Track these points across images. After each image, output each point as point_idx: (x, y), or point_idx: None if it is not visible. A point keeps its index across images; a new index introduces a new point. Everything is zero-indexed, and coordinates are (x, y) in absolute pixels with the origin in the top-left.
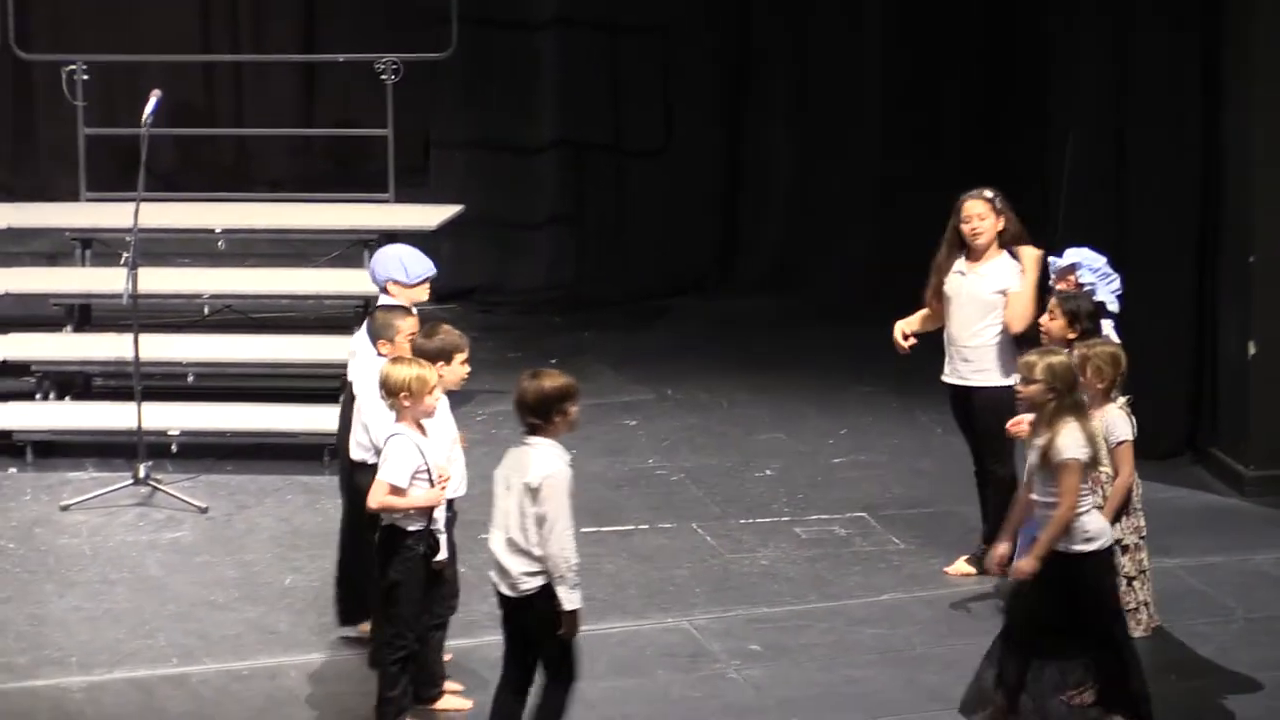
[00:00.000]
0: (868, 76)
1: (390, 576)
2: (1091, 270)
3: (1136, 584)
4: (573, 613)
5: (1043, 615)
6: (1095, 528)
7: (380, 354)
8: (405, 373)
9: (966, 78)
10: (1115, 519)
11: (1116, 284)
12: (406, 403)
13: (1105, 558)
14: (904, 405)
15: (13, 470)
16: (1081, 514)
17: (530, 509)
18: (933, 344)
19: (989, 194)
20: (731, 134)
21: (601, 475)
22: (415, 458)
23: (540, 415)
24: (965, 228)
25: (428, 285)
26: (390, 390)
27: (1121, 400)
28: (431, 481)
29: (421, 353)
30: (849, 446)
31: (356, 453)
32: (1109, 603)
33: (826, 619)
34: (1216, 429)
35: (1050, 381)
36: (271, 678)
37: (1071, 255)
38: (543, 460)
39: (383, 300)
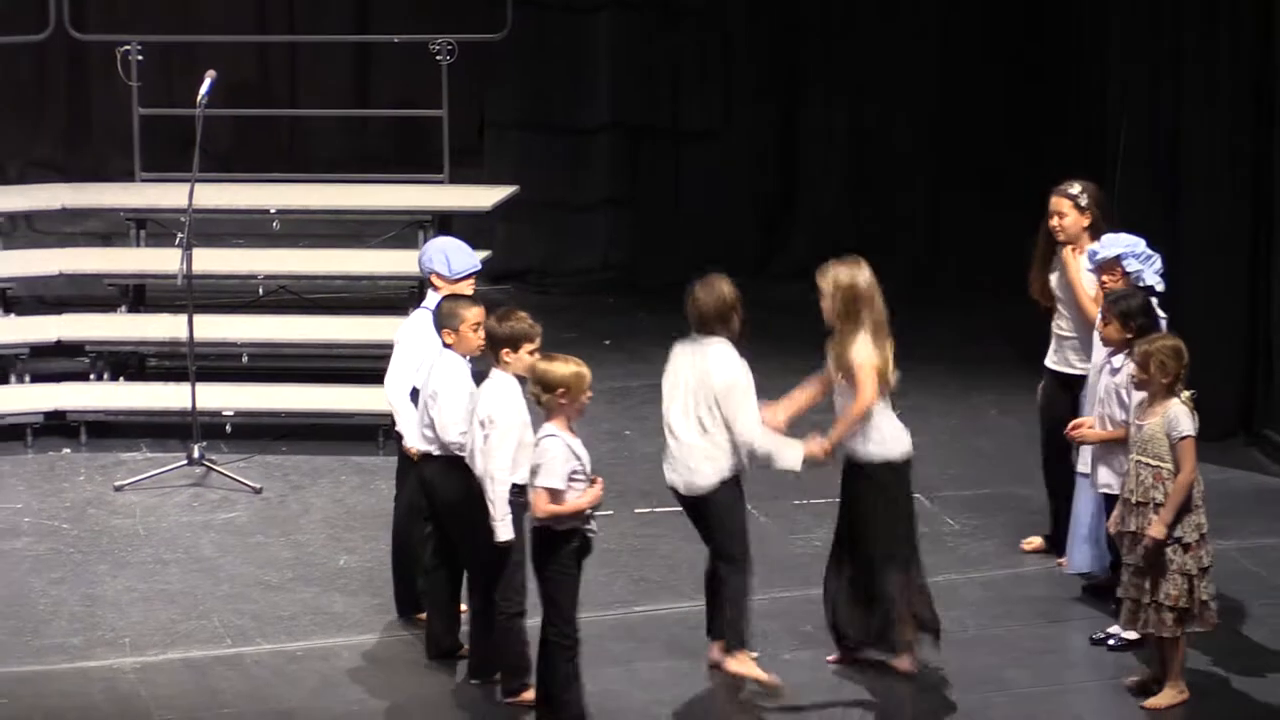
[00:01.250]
0: (922, 60)
1: (547, 577)
2: (1135, 256)
3: (1199, 581)
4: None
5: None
6: (891, 434)
7: (446, 344)
8: (563, 370)
9: (1020, 59)
10: (1178, 518)
11: (1159, 263)
12: (563, 400)
13: (897, 466)
14: (960, 386)
15: (67, 450)
16: (880, 419)
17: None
18: (991, 324)
19: (1074, 190)
20: (785, 115)
21: (656, 456)
22: (570, 459)
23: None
24: (1050, 222)
25: (472, 280)
26: (547, 387)
27: (1185, 395)
28: (589, 481)
29: (491, 337)
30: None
31: (422, 444)
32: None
33: None
34: (1271, 410)
35: (833, 294)
36: (325, 659)
37: (1110, 245)
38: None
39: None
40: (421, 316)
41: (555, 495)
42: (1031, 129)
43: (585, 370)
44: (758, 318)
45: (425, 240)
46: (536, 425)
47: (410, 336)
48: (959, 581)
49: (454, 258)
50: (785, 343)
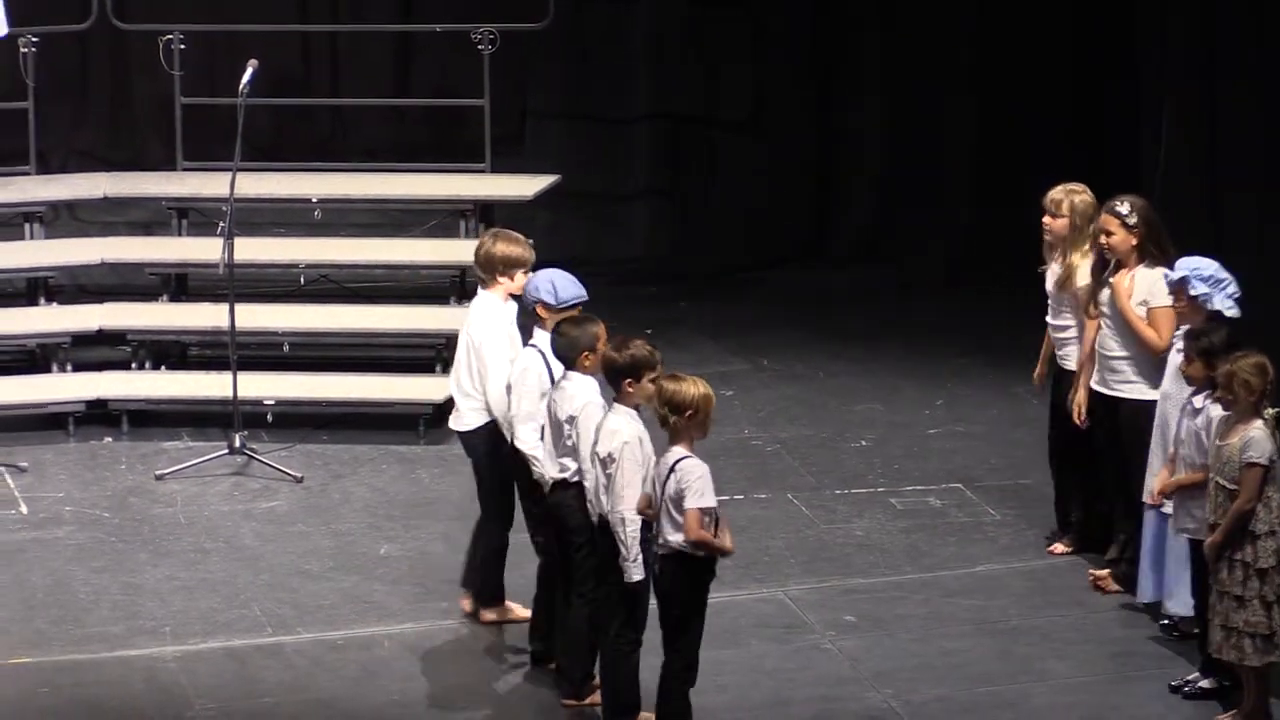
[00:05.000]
0: (960, 46)
1: (684, 604)
2: (1202, 280)
3: (1277, 609)
4: None
5: None
6: None
7: (583, 367)
8: (693, 391)
9: (1061, 46)
10: (1226, 543)
11: (1232, 287)
12: (690, 421)
13: None
14: (999, 377)
15: (108, 439)
16: None
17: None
18: (1031, 317)
19: (1123, 208)
20: (823, 106)
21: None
22: (710, 480)
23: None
24: (1099, 240)
25: (578, 311)
26: (675, 409)
27: (1270, 413)
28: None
29: (610, 368)
30: (944, 418)
31: (555, 471)
32: None
33: (921, 590)
34: None
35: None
36: (366, 648)
37: (1181, 267)
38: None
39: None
40: (531, 355)
41: (706, 517)
42: (1072, 120)
43: (711, 391)
44: (798, 305)
45: (466, 229)
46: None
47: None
48: (1000, 571)
49: (561, 288)
50: (828, 329)
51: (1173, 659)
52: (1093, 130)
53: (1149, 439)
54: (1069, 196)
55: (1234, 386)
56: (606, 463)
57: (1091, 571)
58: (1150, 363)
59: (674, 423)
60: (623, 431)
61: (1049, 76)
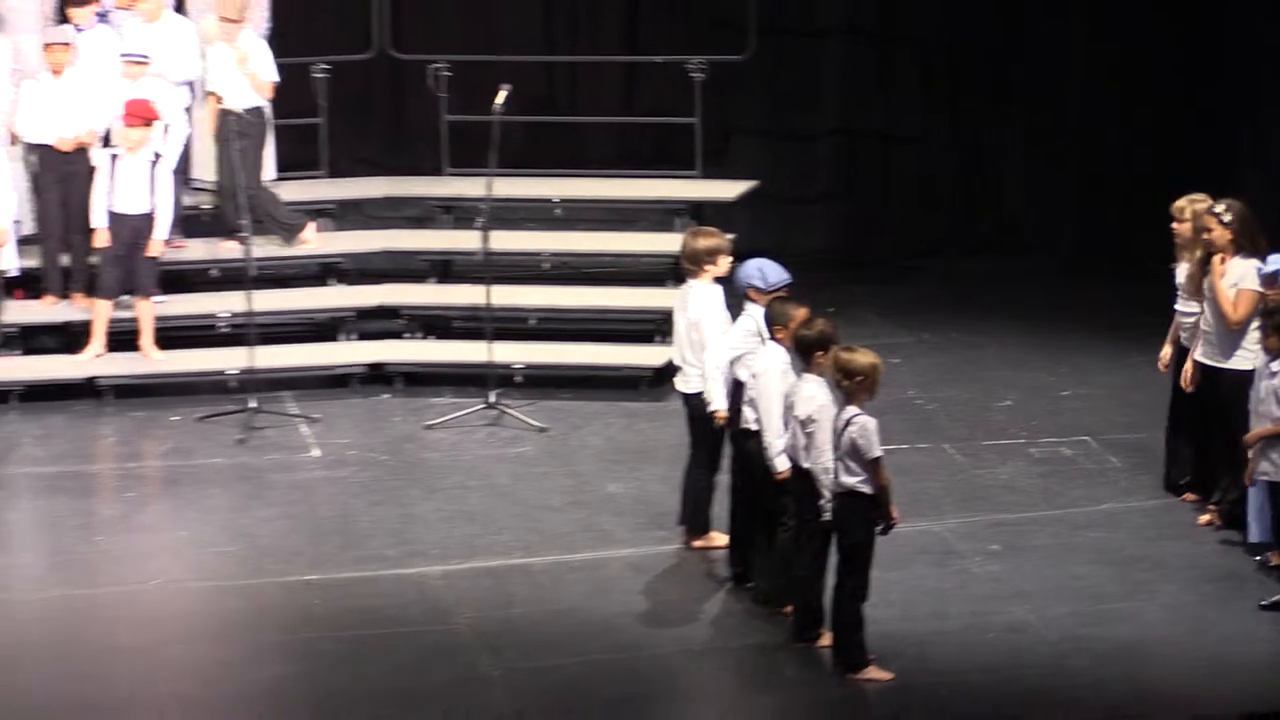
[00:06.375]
0: (1084, 67)
1: (861, 535)
2: None
3: None
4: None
5: None
6: None
7: (775, 339)
8: (864, 360)
9: (1174, 57)
10: None
11: None
12: (861, 385)
13: None
14: (1119, 348)
15: (386, 396)
16: None
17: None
18: (1146, 296)
19: (1219, 208)
20: (972, 125)
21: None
22: (878, 433)
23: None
24: (1201, 236)
25: (785, 294)
26: (849, 374)
27: None
28: None
29: (803, 343)
30: (1073, 382)
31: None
32: None
33: (1054, 525)
34: None
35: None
36: (597, 569)
37: (1273, 261)
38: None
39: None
40: (745, 323)
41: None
42: (1195, 123)
43: (880, 360)
44: (953, 288)
45: (680, 226)
46: None
47: (725, 329)
48: (1120, 509)
49: (769, 273)
50: (979, 308)
51: (1264, 583)
52: (1212, 132)
53: (1247, 403)
54: (1190, 205)
55: None
56: (806, 424)
57: (1210, 505)
58: (1246, 338)
59: (847, 386)
60: (818, 397)
61: (1171, 88)
